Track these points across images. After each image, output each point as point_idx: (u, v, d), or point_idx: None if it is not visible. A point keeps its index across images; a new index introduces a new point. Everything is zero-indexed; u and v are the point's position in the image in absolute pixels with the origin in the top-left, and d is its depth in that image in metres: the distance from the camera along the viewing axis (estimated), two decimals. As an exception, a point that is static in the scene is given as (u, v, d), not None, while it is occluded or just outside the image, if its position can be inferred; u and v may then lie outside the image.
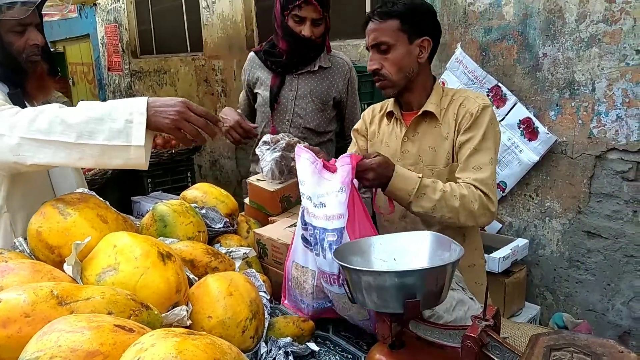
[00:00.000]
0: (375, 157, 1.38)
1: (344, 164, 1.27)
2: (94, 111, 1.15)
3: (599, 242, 2.55)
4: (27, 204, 1.33)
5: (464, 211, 1.41)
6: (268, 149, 1.67)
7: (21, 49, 1.36)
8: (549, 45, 2.55)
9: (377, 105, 1.76)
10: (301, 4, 1.97)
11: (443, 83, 2.84)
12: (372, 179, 1.36)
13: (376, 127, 1.73)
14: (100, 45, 7.95)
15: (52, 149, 1.13)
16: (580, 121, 2.51)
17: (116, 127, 1.13)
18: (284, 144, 1.66)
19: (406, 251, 1.24)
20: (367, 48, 1.58)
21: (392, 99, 1.65)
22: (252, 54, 2.30)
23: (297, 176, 1.33)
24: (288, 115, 2.17)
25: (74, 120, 1.13)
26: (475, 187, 1.43)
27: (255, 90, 2.27)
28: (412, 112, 1.61)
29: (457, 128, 1.54)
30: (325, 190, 1.26)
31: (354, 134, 1.81)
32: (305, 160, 1.31)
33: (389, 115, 1.67)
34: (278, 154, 1.66)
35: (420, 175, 1.42)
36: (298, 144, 1.39)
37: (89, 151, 1.14)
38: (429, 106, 1.57)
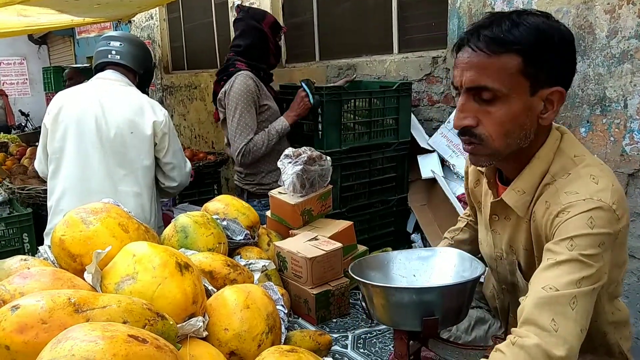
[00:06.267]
0: None
1: None
2: None
3: (632, 263, 2.45)
4: None
5: None
6: (290, 162, 1.68)
7: None
8: (579, 61, 2.49)
9: None
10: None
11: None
12: None
13: (475, 172, 1.31)
14: (134, 60, 8.15)
15: None
16: (612, 138, 2.44)
17: None
18: (305, 158, 1.67)
19: (427, 267, 1.22)
20: (454, 86, 1.09)
21: None
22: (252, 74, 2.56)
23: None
24: None
25: None
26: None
27: (265, 102, 2.60)
28: (507, 184, 1.15)
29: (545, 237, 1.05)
30: None
31: (465, 174, 1.39)
32: None
33: (481, 172, 1.25)
34: (300, 167, 1.66)
35: None
36: None
37: None
38: (510, 195, 1.11)
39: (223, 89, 2.60)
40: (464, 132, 1.05)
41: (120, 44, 2.34)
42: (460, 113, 1.04)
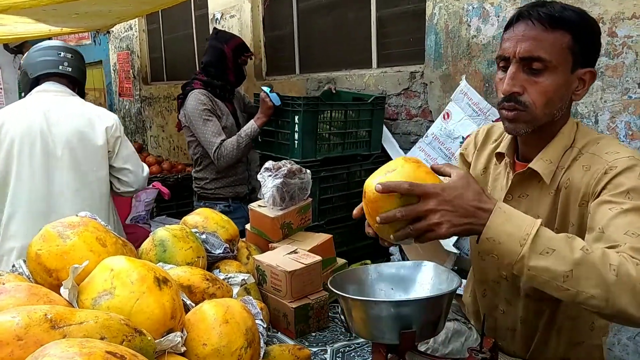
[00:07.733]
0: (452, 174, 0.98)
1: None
2: None
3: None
4: None
5: (625, 291, 0.86)
6: (270, 175, 1.68)
7: None
8: (552, 78, 2.57)
9: (497, 129, 1.39)
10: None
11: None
12: (442, 221, 0.91)
13: (485, 159, 1.38)
14: (112, 71, 8.10)
15: None
16: (583, 153, 2.51)
17: None
18: (285, 171, 1.68)
19: (404, 281, 1.23)
20: (502, 57, 1.18)
21: (509, 136, 1.27)
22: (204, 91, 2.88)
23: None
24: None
25: None
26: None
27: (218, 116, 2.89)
28: (528, 162, 1.22)
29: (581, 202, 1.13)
30: None
31: (460, 158, 1.48)
32: None
33: (499, 155, 1.31)
34: (279, 180, 1.67)
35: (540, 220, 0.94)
36: None
37: None
38: (539, 163, 1.19)
39: (182, 111, 2.94)
40: (510, 99, 1.13)
41: (72, 56, 2.27)
42: (510, 80, 1.12)
